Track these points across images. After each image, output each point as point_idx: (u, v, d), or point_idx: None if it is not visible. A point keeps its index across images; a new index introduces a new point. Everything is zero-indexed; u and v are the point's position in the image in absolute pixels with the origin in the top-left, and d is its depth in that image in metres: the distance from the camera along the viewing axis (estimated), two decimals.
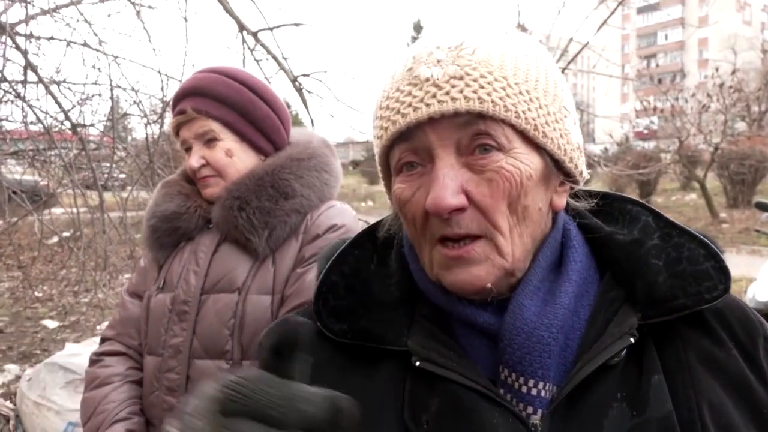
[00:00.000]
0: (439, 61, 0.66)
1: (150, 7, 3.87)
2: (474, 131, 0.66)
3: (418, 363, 0.69)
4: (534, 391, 0.68)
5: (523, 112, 0.66)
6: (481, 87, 0.65)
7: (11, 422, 3.59)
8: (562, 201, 0.75)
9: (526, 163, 0.67)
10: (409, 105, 0.66)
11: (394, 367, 0.72)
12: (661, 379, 0.67)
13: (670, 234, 0.73)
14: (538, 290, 0.70)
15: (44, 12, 3.67)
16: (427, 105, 0.65)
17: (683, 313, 0.69)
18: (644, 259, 0.71)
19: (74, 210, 4.54)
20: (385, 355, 0.73)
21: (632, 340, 0.67)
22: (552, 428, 0.66)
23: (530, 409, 0.68)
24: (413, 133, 0.67)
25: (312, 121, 3.66)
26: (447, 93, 0.65)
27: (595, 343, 0.68)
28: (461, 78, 0.65)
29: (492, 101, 0.65)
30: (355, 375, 0.73)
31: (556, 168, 0.72)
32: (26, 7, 3.60)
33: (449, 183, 0.65)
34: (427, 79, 0.66)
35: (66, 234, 5.26)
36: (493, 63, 0.66)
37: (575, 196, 0.79)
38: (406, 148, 0.69)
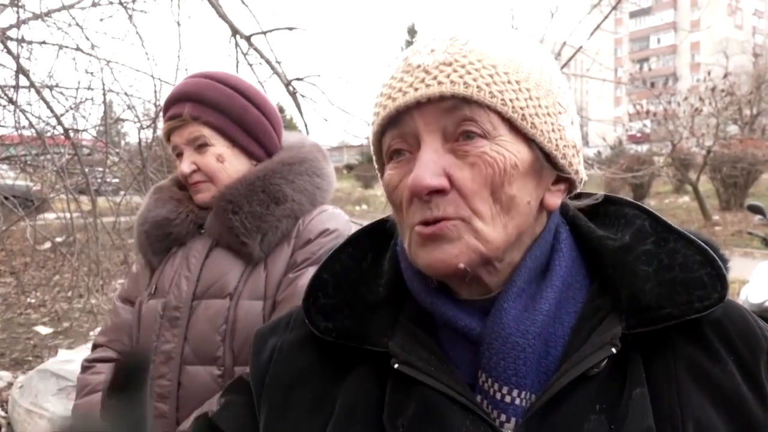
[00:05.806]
0: (432, 50, 0.68)
1: (143, 11, 3.86)
2: (460, 117, 0.66)
3: (396, 365, 0.69)
4: (508, 399, 0.67)
5: (510, 100, 0.66)
6: (468, 73, 0.66)
7: (3, 430, 3.56)
8: (555, 200, 0.73)
9: (511, 151, 0.67)
10: (399, 90, 0.68)
11: (377, 368, 0.72)
12: (644, 393, 0.64)
13: (666, 239, 0.70)
14: (523, 292, 0.69)
15: (36, 16, 3.65)
16: (415, 89, 0.67)
17: (669, 323, 0.66)
18: (632, 265, 0.69)
19: (67, 215, 4.51)
20: (369, 355, 0.73)
21: (614, 350, 0.65)
22: None
23: (504, 417, 0.67)
24: (402, 119, 0.69)
25: (306, 126, 3.65)
26: (435, 78, 0.66)
27: (576, 353, 0.66)
28: (450, 64, 0.66)
29: (477, 86, 0.65)
30: (341, 374, 0.74)
31: (548, 163, 0.70)
32: (18, 11, 3.58)
33: (431, 165, 0.66)
34: (419, 66, 0.68)
35: (59, 239, 5.23)
36: (483, 52, 0.67)
37: (573, 198, 0.78)
38: (396, 134, 0.70)
